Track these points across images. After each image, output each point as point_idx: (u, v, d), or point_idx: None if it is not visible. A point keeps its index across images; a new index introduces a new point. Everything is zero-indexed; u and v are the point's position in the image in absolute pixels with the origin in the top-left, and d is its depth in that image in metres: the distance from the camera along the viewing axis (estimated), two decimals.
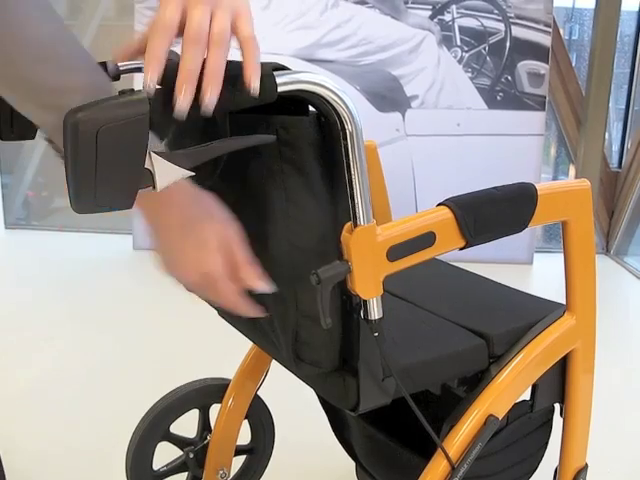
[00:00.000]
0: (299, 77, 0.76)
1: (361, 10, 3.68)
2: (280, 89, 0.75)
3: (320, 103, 0.81)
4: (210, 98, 0.70)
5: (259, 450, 1.61)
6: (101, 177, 0.68)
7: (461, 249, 0.95)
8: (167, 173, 0.73)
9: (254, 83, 0.71)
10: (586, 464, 1.27)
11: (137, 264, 3.63)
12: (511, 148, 3.81)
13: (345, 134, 0.81)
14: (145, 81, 0.67)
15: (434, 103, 3.78)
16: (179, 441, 1.51)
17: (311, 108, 0.86)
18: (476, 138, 3.81)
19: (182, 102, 0.69)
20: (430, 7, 3.75)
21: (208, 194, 0.84)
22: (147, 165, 0.72)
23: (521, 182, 1.02)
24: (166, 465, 1.49)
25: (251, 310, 0.89)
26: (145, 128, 0.68)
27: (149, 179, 0.73)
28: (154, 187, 0.73)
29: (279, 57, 3.73)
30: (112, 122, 0.67)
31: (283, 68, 0.80)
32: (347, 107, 0.79)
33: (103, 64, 1.22)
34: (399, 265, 0.89)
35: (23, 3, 0.69)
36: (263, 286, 0.86)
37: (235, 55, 0.74)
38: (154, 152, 0.72)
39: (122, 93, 0.69)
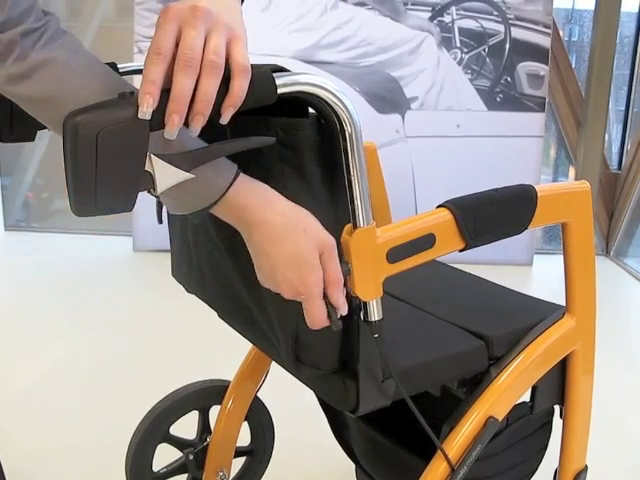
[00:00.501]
0: (298, 79, 0.77)
1: (361, 12, 3.68)
2: (280, 90, 0.75)
3: (320, 105, 0.81)
4: (195, 127, 0.71)
5: (259, 451, 1.61)
6: (101, 180, 0.68)
7: (461, 251, 0.95)
8: (167, 176, 0.73)
9: (225, 115, 0.72)
10: (586, 466, 1.27)
11: (137, 266, 3.63)
12: (511, 149, 3.81)
13: (345, 135, 0.81)
14: (141, 110, 0.67)
15: (434, 104, 3.79)
16: (179, 442, 1.51)
17: (311, 110, 0.86)
18: (476, 139, 3.81)
19: (170, 130, 0.69)
20: (430, 9, 3.75)
21: (300, 207, 0.83)
22: (147, 168, 0.72)
23: (521, 184, 1.02)
24: (166, 466, 1.49)
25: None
26: (145, 130, 0.68)
27: (149, 182, 0.73)
28: (154, 190, 0.73)
29: (279, 59, 3.73)
30: (112, 125, 0.67)
31: (282, 70, 0.80)
32: (347, 109, 0.79)
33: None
34: (399, 267, 0.89)
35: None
36: (345, 309, 0.85)
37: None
38: (154, 155, 0.72)
39: (122, 95, 0.69)
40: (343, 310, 0.84)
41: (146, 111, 0.67)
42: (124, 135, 0.67)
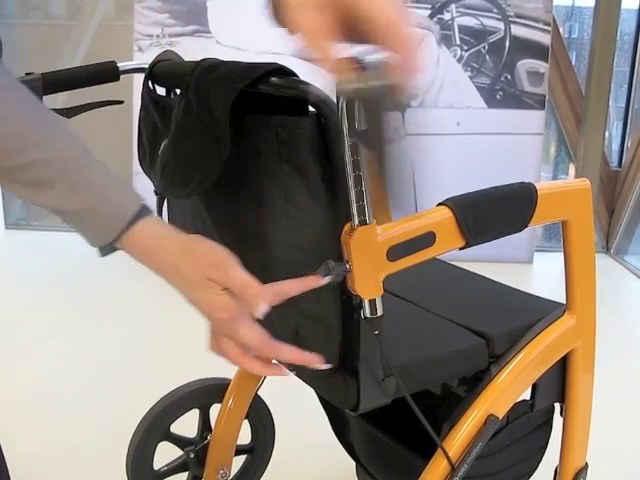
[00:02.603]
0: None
1: None
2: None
3: (319, 103, 0.81)
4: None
5: (259, 450, 1.61)
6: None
7: (461, 249, 0.95)
8: None
9: None
10: (586, 464, 1.27)
11: (138, 264, 3.62)
12: (511, 147, 3.81)
13: (345, 133, 0.80)
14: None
15: (434, 102, 3.78)
16: (179, 441, 1.51)
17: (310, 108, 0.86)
18: (476, 137, 3.80)
19: None
20: (429, 6, 3.74)
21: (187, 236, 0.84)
22: None
23: (521, 182, 1.02)
24: (167, 465, 1.49)
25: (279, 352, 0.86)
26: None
27: None
28: None
29: (279, 57, 3.72)
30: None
31: (284, 70, 0.81)
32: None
33: (105, 63, 1.22)
34: (399, 265, 0.88)
35: None
36: (264, 307, 0.81)
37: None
38: None
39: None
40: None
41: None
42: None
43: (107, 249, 0.82)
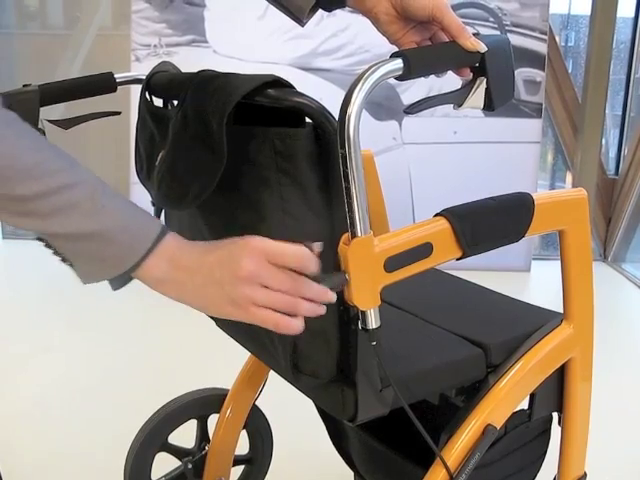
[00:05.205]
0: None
1: (357, 19, 3.67)
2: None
3: (316, 114, 0.82)
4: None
5: (257, 460, 1.61)
6: None
7: (458, 259, 0.96)
8: None
9: None
10: (585, 473, 1.27)
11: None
12: (508, 156, 3.82)
13: (342, 144, 0.80)
14: None
15: (430, 111, 3.77)
16: (177, 451, 1.51)
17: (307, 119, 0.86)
18: (473, 146, 3.81)
19: None
20: None
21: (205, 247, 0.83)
22: None
23: (518, 192, 1.02)
24: (164, 475, 1.49)
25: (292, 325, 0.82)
26: None
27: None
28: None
29: (275, 67, 3.74)
30: None
31: (281, 82, 0.81)
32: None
33: (102, 75, 1.23)
34: (396, 276, 0.89)
35: None
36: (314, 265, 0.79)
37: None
38: None
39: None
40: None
41: None
42: None
43: (122, 278, 0.81)
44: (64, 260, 0.80)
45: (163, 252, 0.79)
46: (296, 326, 0.80)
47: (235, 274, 0.78)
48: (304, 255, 0.78)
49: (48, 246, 0.79)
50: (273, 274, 0.78)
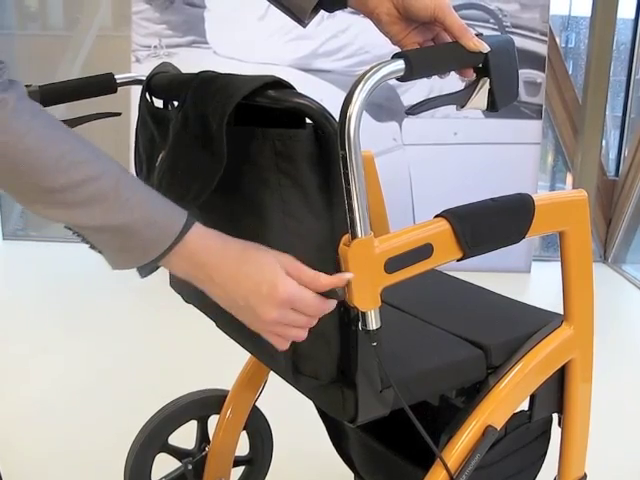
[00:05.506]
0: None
1: (358, 20, 3.68)
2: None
3: (316, 115, 0.82)
4: None
5: (258, 461, 1.61)
6: None
7: (458, 260, 0.96)
8: None
9: None
10: (585, 474, 1.27)
11: (136, 276, 3.61)
12: (508, 157, 3.82)
13: (342, 145, 0.80)
14: None
15: (431, 112, 3.77)
16: (177, 452, 1.51)
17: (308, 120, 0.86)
18: (473, 147, 3.81)
19: None
20: None
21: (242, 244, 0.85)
22: None
23: (518, 193, 1.02)
24: (165, 476, 1.49)
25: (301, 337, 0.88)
26: None
27: None
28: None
29: (276, 67, 3.74)
30: None
31: (282, 83, 0.81)
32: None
33: (103, 76, 1.23)
34: (397, 277, 0.89)
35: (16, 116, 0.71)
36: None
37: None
38: None
39: None
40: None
41: None
42: None
43: (149, 267, 0.82)
44: (93, 247, 0.81)
45: (184, 249, 0.80)
46: (303, 337, 0.87)
47: (271, 294, 0.81)
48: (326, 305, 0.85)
49: (76, 234, 0.80)
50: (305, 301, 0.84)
